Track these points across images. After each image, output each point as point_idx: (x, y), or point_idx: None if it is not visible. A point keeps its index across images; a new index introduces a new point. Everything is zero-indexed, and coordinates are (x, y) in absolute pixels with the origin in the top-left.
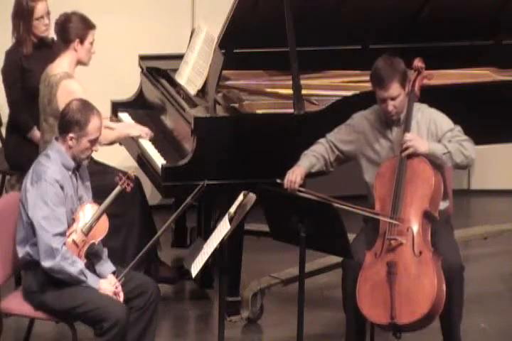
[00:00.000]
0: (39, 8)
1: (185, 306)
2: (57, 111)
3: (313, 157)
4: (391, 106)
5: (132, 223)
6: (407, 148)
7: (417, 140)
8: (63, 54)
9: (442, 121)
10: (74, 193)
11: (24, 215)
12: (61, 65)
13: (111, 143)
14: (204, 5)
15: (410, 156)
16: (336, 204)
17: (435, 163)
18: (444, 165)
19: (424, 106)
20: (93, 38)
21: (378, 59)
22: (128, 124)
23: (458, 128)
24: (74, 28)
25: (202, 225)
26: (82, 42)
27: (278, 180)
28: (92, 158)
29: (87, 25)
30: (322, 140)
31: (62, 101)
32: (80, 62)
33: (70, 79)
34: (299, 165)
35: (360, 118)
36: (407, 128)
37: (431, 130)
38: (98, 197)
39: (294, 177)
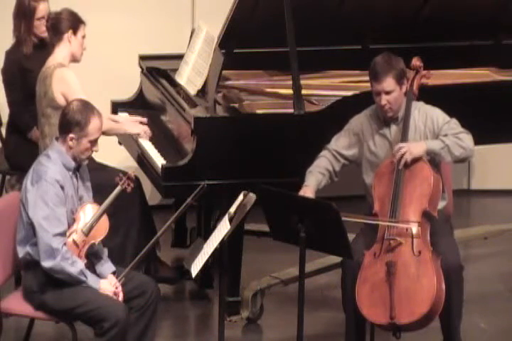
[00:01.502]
0: (41, 9)
1: (185, 306)
2: (53, 100)
3: (318, 173)
4: (384, 100)
5: (132, 223)
6: (402, 157)
7: (410, 145)
8: (57, 47)
9: (438, 117)
10: (74, 193)
11: (24, 215)
12: (55, 57)
13: (104, 133)
14: (204, 5)
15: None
16: (349, 218)
17: (434, 162)
18: (443, 163)
19: (421, 104)
20: (84, 32)
21: (378, 55)
22: (129, 121)
23: (454, 120)
24: (66, 20)
25: (202, 225)
26: (75, 33)
27: None
28: (92, 158)
29: (79, 19)
30: (324, 152)
31: (56, 89)
32: (73, 57)
33: (63, 68)
34: (307, 185)
35: (357, 121)
36: (405, 127)
37: (428, 127)
38: (95, 194)
39: None
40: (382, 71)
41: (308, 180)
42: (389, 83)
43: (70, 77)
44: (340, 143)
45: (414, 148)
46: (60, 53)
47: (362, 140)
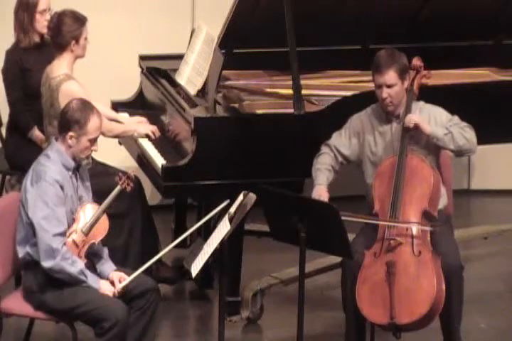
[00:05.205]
0: (42, 2)
1: (185, 306)
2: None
3: (326, 171)
4: (385, 93)
5: (135, 223)
6: (409, 124)
7: (421, 119)
8: (61, 56)
9: (441, 115)
10: (74, 193)
11: (24, 215)
12: (60, 66)
13: (116, 137)
14: (204, 5)
15: (411, 154)
16: (350, 218)
17: (434, 162)
18: (443, 163)
19: (422, 104)
20: (87, 31)
21: (382, 50)
22: (137, 121)
23: (456, 117)
24: (68, 32)
25: (202, 225)
26: (77, 42)
27: None
28: (93, 159)
29: (80, 23)
30: (325, 149)
31: (63, 103)
32: (78, 58)
33: (69, 81)
34: (319, 184)
35: (357, 119)
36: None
37: (431, 126)
38: (100, 201)
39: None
40: (385, 64)
41: (319, 179)
42: (391, 76)
43: (76, 92)
44: (341, 141)
45: (422, 119)
46: (64, 61)
47: (362, 139)
